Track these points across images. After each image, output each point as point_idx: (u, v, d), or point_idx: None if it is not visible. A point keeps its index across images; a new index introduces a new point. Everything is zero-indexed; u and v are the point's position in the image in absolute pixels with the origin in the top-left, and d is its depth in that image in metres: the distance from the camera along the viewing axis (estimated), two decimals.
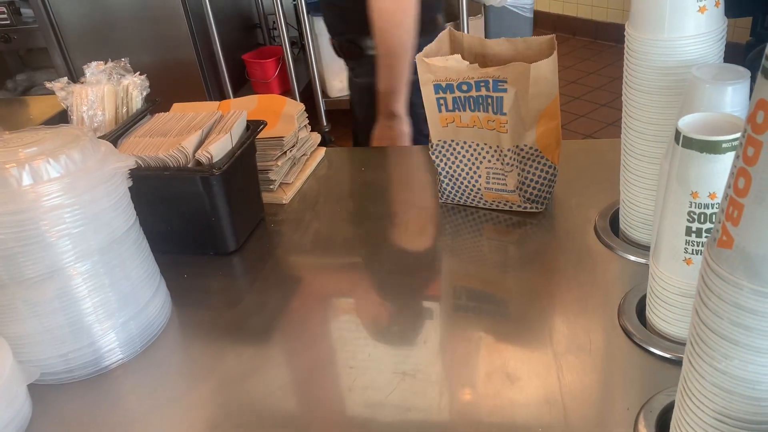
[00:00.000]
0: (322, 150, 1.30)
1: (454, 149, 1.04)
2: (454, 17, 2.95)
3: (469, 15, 2.91)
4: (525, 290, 0.90)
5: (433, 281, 0.96)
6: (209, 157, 0.96)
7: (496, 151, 1.01)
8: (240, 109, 1.16)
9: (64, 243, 0.77)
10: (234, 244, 1.05)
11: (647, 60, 0.81)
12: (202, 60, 3.15)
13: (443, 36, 1.03)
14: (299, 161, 1.23)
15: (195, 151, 0.97)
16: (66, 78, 1.09)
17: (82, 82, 1.09)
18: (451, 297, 0.92)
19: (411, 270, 0.98)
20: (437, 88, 0.99)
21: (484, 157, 1.02)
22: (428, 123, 1.04)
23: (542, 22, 3.15)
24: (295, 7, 3.21)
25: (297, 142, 1.20)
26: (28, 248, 0.75)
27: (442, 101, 1.00)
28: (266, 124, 1.08)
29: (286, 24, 3.13)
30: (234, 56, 3.22)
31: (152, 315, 0.88)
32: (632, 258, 0.92)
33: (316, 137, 1.29)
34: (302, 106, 1.24)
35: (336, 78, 3.16)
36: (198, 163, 0.97)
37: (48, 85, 1.08)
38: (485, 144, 1.01)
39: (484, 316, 0.86)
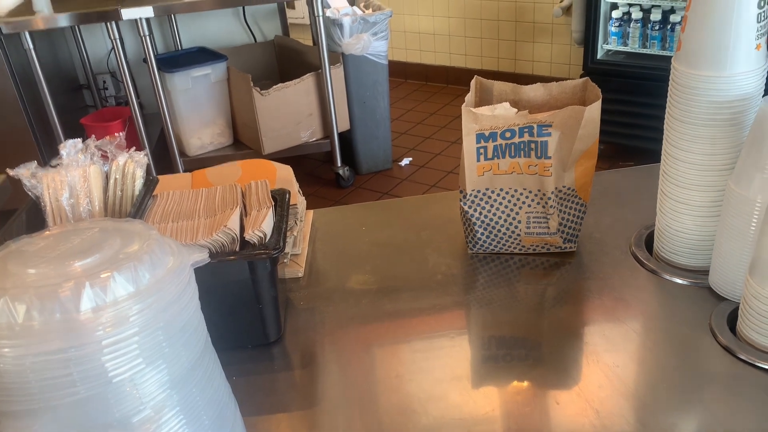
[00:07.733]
0: (311, 213, 1.20)
1: (490, 197, 1.02)
2: (315, 67, 2.95)
3: (330, 65, 2.93)
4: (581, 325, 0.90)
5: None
6: (262, 236, 0.83)
7: (536, 195, 1.01)
8: (229, 179, 1.04)
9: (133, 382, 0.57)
10: (276, 333, 0.92)
11: (706, 95, 0.87)
12: (35, 127, 2.78)
13: (472, 85, 1.01)
14: (300, 229, 1.12)
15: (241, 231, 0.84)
16: (35, 162, 0.88)
17: (55, 166, 0.89)
18: (500, 347, 0.89)
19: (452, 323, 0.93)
20: (480, 137, 0.97)
21: (523, 203, 1.02)
22: (464, 174, 1.00)
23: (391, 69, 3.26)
24: (128, 65, 2.97)
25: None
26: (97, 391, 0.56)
27: (482, 150, 0.98)
28: (290, 194, 0.96)
29: (133, 82, 2.89)
30: (65, 121, 2.87)
31: None
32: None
33: (302, 200, 1.19)
34: (290, 168, 1.14)
35: (194, 136, 2.96)
36: (244, 245, 0.84)
37: (12, 173, 0.87)
38: (524, 189, 1.01)
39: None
